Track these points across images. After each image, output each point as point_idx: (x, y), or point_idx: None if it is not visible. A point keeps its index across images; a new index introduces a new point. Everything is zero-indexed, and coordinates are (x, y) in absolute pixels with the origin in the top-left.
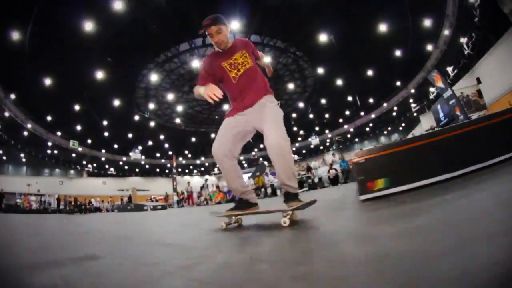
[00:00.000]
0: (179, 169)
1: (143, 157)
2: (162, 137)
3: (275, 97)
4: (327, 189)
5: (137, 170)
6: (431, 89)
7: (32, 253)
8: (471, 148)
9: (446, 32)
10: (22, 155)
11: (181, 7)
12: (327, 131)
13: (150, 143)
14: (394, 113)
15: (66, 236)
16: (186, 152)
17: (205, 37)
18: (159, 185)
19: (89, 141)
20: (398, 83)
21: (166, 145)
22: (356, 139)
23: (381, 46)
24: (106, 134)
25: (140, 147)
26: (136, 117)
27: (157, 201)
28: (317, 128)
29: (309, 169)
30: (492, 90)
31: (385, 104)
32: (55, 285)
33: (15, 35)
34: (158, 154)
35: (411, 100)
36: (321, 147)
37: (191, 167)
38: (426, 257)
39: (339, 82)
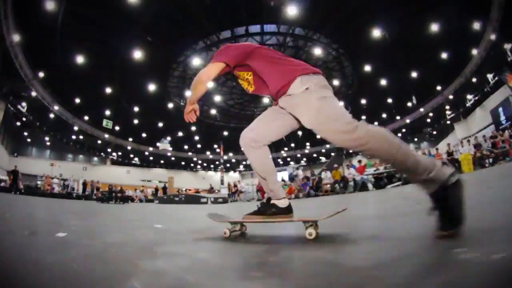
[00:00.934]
0: (204, 164)
1: (170, 148)
2: (193, 128)
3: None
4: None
5: (162, 161)
6: (469, 96)
7: None
8: None
9: (490, 37)
10: (46, 138)
11: None
12: None
13: (180, 134)
14: (428, 119)
15: None
16: (215, 146)
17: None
18: (184, 179)
19: (117, 127)
20: (439, 88)
21: (196, 138)
22: None
23: (428, 47)
24: (135, 121)
25: (169, 138)
26: (170, 105)
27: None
28: None
29: None
30: None
31: (421, 109)
32: None
33: (50, 6)
34: (186, 147)
35: (447, 107)
36: (350, 151)
37: (217, 162)
38: None
39: (382, 82)
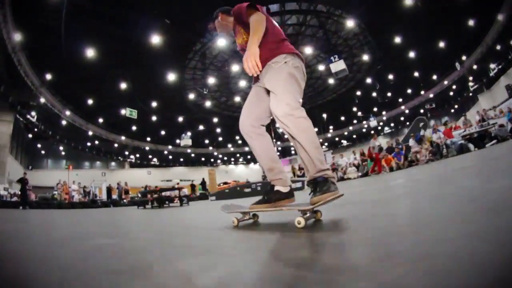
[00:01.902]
0: (225, 158)
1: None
2: (215, 120)
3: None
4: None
5: (181, 159)
6: (492, 66)
7: None
8: None
9: None
10: (61, 148)
11: None
12: (384, 112)
13: (200, 127)
14: (451, 93)
15: None
16: (237, 138)
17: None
18: (206, 175)
19: (134, 127)
20: (463, 57)
21: (218, 130)
22: (407, 123)
23: (453, 11)
24: (153, 118)
25: (189, 133)
26: (191, 96)
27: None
28: (375, 109)
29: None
30: None
31: (445, 82)
32: None
33: None
34: (206, 141)
35: (470, 78)
36: (372, 131)
37: (238, 155)
38: None
39: (408, 54)
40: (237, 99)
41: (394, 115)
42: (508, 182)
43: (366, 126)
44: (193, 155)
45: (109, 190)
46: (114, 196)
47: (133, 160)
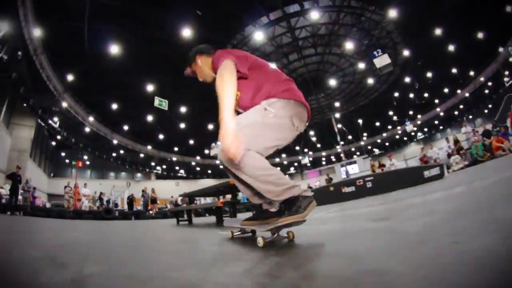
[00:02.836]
0: None
1: None
2: None
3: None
4: None
5: (209, 171)
6: None
7: None
8: None
9: None
10: (85, 157)
11: None
12: (419, 116)
13: None
14: (487, 90)
15: None
16: None
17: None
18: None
19: (161, 136)
20: (501, 49)
21: None
22: (441, 127)
23: None
24: (182, 125)
25: (219, 142)
26: None
27: None
28: (410, 112)
29: None
30: None
31: (482, 78)
32: None
33: None
34: None
35: (505, 73)
36: (405, 138)
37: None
38: None
39: (447, 48)
40: None
41: (427, 119)
42: None
43: (400, 131)
44: (221, 166)
45: (131, 201)
46: (139, 207)
47: (160, 172)
